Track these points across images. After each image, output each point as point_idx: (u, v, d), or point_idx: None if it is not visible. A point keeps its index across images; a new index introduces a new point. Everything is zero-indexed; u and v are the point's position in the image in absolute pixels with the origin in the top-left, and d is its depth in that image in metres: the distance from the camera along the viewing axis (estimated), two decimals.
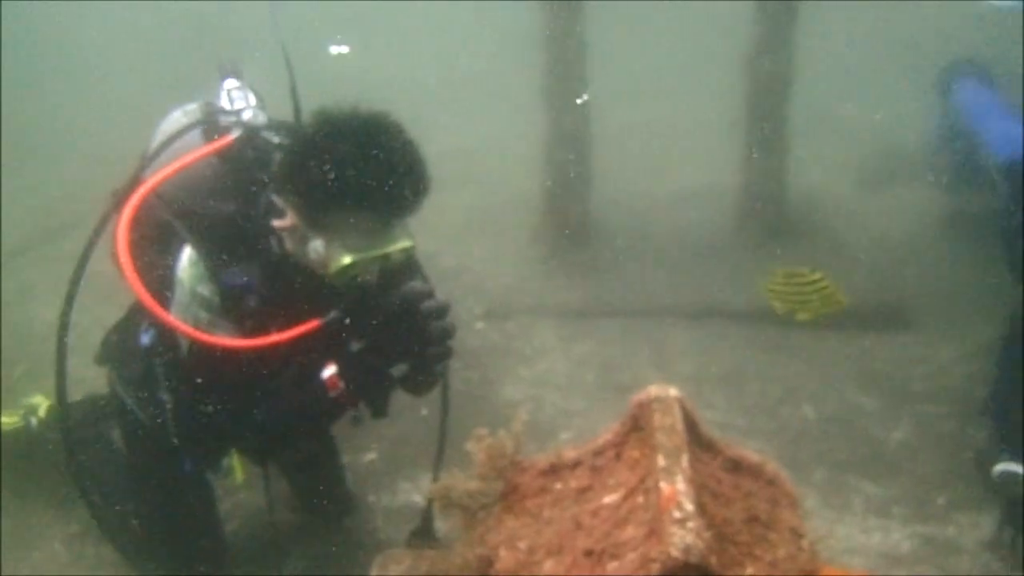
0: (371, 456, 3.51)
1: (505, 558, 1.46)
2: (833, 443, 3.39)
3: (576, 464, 1.53)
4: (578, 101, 4.58)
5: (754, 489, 1.48)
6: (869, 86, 5.48)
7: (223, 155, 2.33)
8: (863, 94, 5.62)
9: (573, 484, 1.51)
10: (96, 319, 2.67)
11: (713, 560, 1.24)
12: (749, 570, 1.34)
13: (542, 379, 3.97)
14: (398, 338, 2.13)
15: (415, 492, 3.30)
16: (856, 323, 4.08)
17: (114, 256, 2.27)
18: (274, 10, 2.54)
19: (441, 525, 2.64)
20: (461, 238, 4.99)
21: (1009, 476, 2.71)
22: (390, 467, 3.45)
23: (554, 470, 1.55)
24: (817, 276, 3.21)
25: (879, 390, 3.69)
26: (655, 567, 1.24)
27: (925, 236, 4.38)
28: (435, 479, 2.52)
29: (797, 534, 1.45)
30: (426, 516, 2.61)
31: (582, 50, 4.71)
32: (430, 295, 2.13)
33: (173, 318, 2.12)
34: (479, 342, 4.17)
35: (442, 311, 2.12)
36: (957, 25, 4.47)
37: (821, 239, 4.72)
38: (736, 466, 1.49)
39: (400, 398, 2.70)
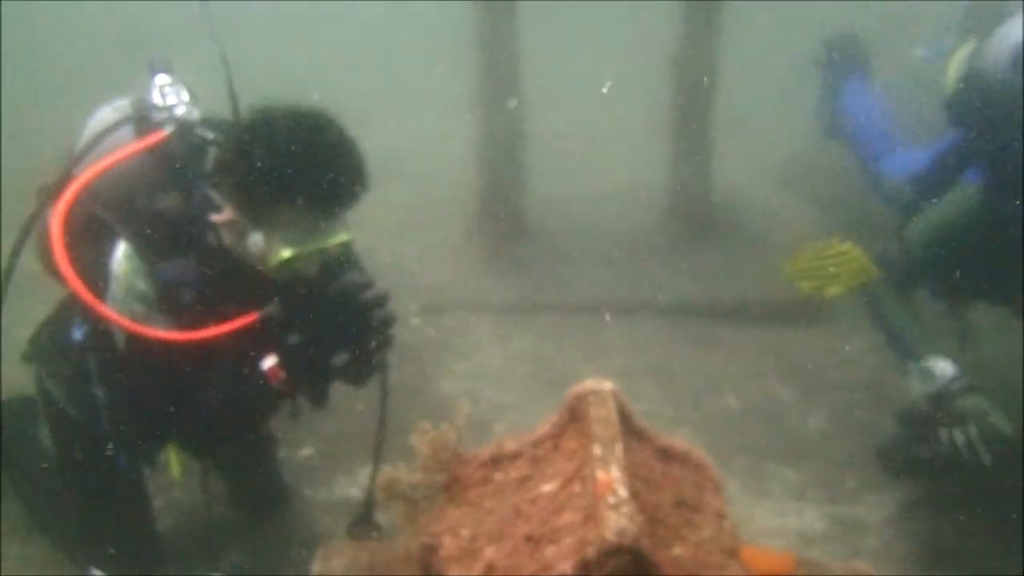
0: (307, 451, 3.51)
1: (448, 545, 1.51)
2: (754, 431, 3.55)
3: (516, 455, 1.60)
4: (510, 105, 4.64)
5: (682, 475, 1.57)
6: (792, 88, 5.66)
7: (156, 150, 2.32)
8: (786, 95, 5.81)
9: (513, 474, 1.57)
10: (18, 317, 2.60)
11: (645, 542, 1.32)
12: (677, 550, 1.42)
13: (477, 373, 4.03)
14: (338, 327, 2.16)
15: (352, 486, 3.33)
16: (776, 317, 4.27)
17: (43, 253, 2.24)
18: (205, 9, 2.52)
19: (381, 515, 2.67)
20: (396, 235, 5.00)
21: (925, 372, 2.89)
22: (326, 462, 3.46)
23: (495, 461, 1.61)
24: (846, 247, 3.01)
25: (796, 380, 3.87)
26: (591, 550, 1.31)
27: (840, 234, 4.59)
28: (375, 470, 2.56)
29: (720, 516, 1.54)
30: (367, 505, 2.64)
31: (515, 51, 4.78)
32: (370, 286, 2.17)
33: (110, 311, 2.11)
34: (415, 337, 4.21)
35: (382, 300, 2.17)
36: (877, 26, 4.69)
37: (743, 236, 4.89)
38: (665, 454, 1.57)
39: (336, 394, 2.73)
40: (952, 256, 2.99)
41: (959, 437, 2.73)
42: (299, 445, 3.47)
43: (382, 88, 6.46)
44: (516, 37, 4.74)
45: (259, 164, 2.01)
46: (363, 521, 2.61)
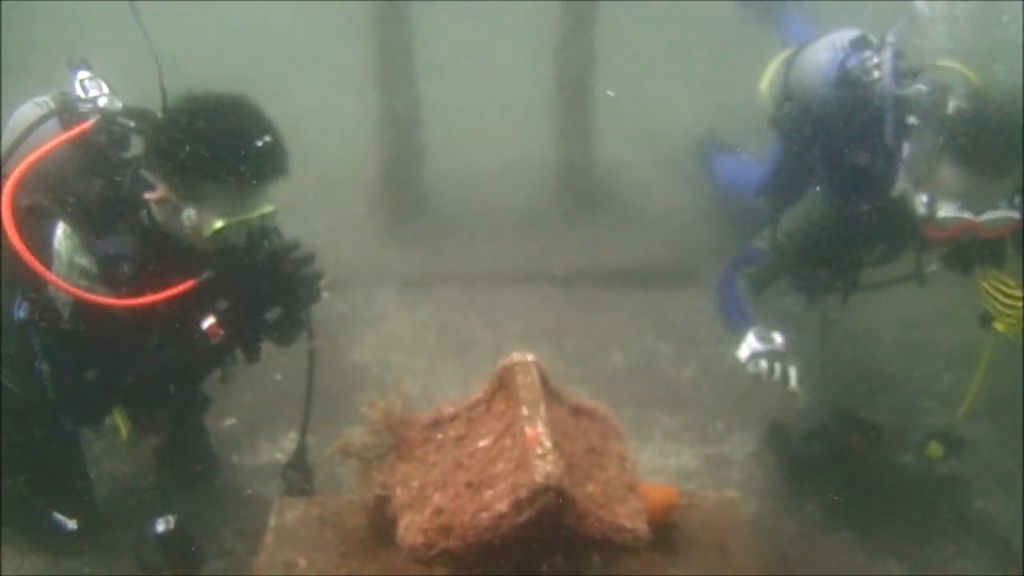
0: (230, 421, 3.62)
1: (400, 495, 1.76)
2: (638, 385, 3.89)
3: (454, 417, 1.85)
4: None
5: (590, 427, 1.87)
6: (669, 74, 6.00)
7: (83, 139, 2.49)
8: (664, 81, 6.15)
9: (452, 433, 1.83)
10: None
11: (566, 482, 1.60)
12: (589, 488, 1.72)
13: (387, 342, 4.20)
14: (271, 285, 2.40)
15: (276, 451, 3.48)
16: (653, 281, 4.63)
17: None
18: (135, 10, 2.61)
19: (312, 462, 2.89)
20: (300, 211, 5.01)
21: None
22: (250, 430, 3.59)
23: (436, 423, 1.86)
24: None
25: (673, 337, 4.20)
26: (524, 491, 1.58)
27: (705, 205, 4.99)
28: (306, 418, 2.82)
29: (622, 459, 1.85)
30: (300, 450, 2.86)
31: (409, 32, 4.88)
32: (297, 246, 2.43)
33: (62, 282, 2.26)
34: (325, 310, 4.30)
35: (309, 259, 2.43)
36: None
37: (623, 207, 5.18)
38: (577, 410, 1.86)
39: (255, 366, 2.90)
40: (810, 252, 3.22)
41: (764, 364, 2.82)
42: (222, 416, 3.57)
43: (280, 66, 6.39)
44: (410, 18, 4.84)
45: (190, 146, 2.23)
46: (297, 465, 2.83)
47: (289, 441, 3.46)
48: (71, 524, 2.76)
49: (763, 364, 2.84)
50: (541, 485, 1.56)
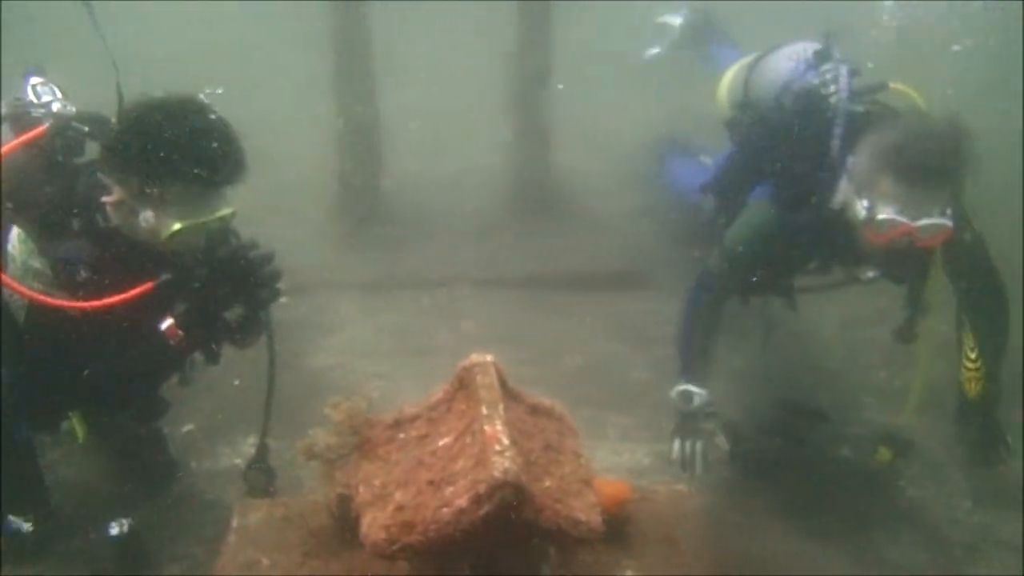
0: (189, 427, 3.61)
1: (363, 493, 1.80)
2: (593, 385, 3.96)
3: (416, 417, 1.90)
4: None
5: (547, 425, 1.93)
6: (623, 81, 6.08)
7: (36, 144, 2.51)
8: (620, 89, 6.24)
9: (414, 433, 1.88)
10: None
11: (523, 478, 1.66)
12: (547, 483, 1.78)
13: (347, 347, 4.23)
14: (231, 284, 2.41)
15: (236, 456, 3.47)
16: (606, 285, 4.73)
17: None
18: (91, 10, 2.62)
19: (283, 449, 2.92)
20: (259, 219, 4.99)
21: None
22: (208, 435, 3.58)
23: (398, 423, 1.91)
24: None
25: (626, 339, 4.30)
26: (483, 486, 1.64)
27: (658, 212, 5.10)
28: (266, 419, 2.85)
29: (577, 455, 1.92)
30: (261, 451, 2.89)
31: (368, 44, 4.92)
32: (256, 246, 2.45)
33: (17, 284, 2.27)
34: (285, 316, 4.31)
35: (268, 257, 2.45)
36: None
37: (578, 213, 5.27)
38: (534, 410, 1.93)
39: (213, 372, 2.89)
40: (756, 260, 3.28)
41: (687, 447, 3.16)
42: (180, 422, 3.55)
43: (239, 73, 6.35)
44: (369, 27, 4.88)
45: (147, 148, 2.25)
46: (258, 463, 2.86)
47: (248, 446, 3.46)
48: (26, 526, 2.73)
49: (677, 448, 3.16)
50: (499, 480, 1.62)
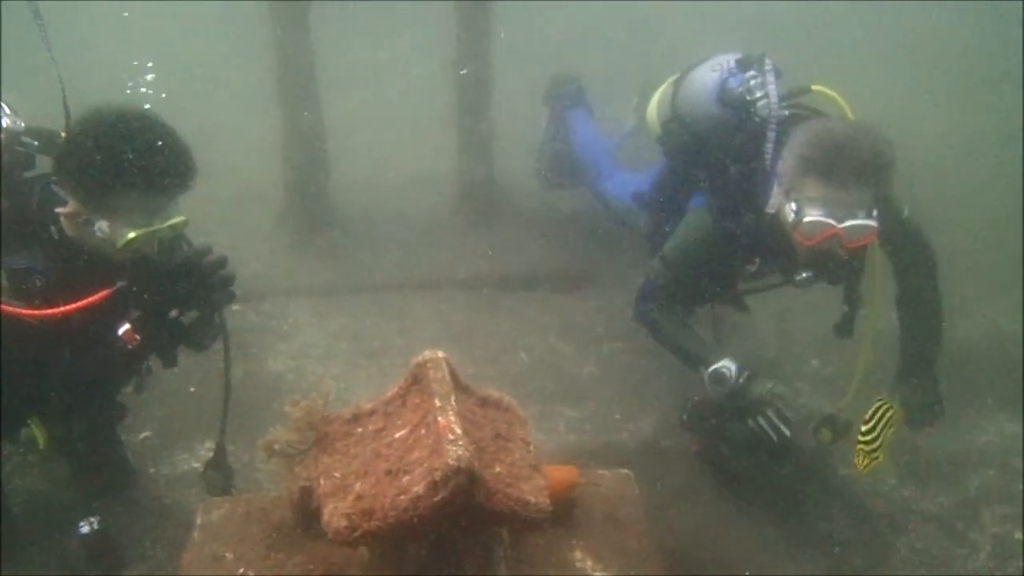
0: (145, 434, 3.62)
1: (324, 485, 1.88)
2: (542, 381, 4.08)
3: (372, 412, 1.99)
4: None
5: (496, 416, 2.04)
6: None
7: None
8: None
9: (371, 427, 1.97)
10: None
11: (475, 465, 1.76)
12: (497, 469, 1.89)
13: (301, 352, 4.26)
14: (186, 288, 2.49)
15: (193, 460, 3.50)
16: (553, 285, 4.85)
17: None
18: (39, 20, 2.65)
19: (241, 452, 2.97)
20: (205, 228, 4.97)
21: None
22: (165, 441, 3.59)
23: (355, 418, 1.99)
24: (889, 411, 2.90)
25: (574, 336, 4.41)
26: (438, 474, 1.74)
27: (598, 215, 5.24)
28: (224, 417, 2.88)
29: (526, 443, 2.03)
30: (219, 450, 2.94)
31: (310, 51, 4.95)
32: (210, 251, 2.54)
33: None
34: (238, 323, 4.32)
35: (222, 262, 2.54)
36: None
37: (523, 216, 5.36)
38: (484, 402, 2.03)
39: (168, 379, 2.88)
40: (696, 267, 3.35)
41: (762, 422, 3.04)
42: (136, 430, 3.56)
43: (182, 84, 6.30)
44: (310, 36, 4.89)
45: (100, 160, 2.32)
46: (216, 465, 2.92)
47: (206, 451, 3.49)
48: None
49: (762, 421, 3.05)
50: (453, 467, 1.71)
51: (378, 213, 5.32)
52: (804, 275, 3.09)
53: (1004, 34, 6.02)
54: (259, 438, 2.72)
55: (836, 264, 3.02)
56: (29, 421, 2.70)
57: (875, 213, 2.87)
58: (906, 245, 3.28)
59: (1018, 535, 3.31)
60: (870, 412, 2.86)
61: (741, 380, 3.12)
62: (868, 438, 2.82)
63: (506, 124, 5.25)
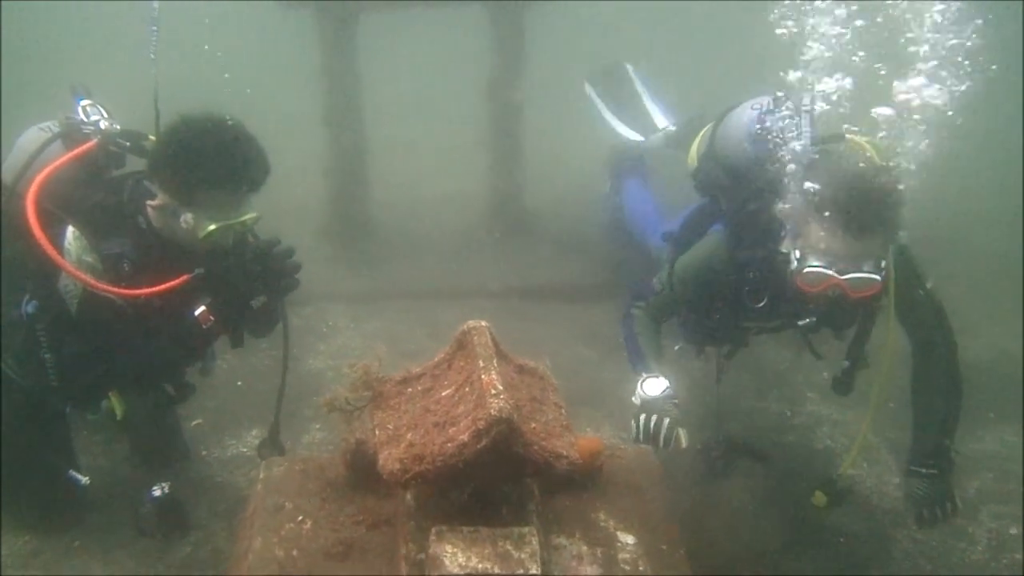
0: (197, 421, 3.84)
1: (379, 435, 2.09)
2: (566, 385, 4.12)
3: (421, 375, 2.21)
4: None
5: (532, 382, 2.24)
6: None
7: (86, 156, 2.83)
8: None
9: (420, 387, 2.18)
10: None
11: (515, 416, 1.96)
12: (533, 425, 2.07)
13: (339, 352, 4.49)
14: (257, 275, 2.74)
15: (241, 446, 3.73)
16: (577, 296, 5.05)
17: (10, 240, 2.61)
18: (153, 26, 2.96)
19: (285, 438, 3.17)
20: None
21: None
22: (216, 429, 3.82)
23: (406, 380, 2.21)
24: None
25: (596, 344, 4.59)
26: (482, 423, 1.93)
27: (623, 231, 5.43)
28: (280, 398, 3.12)
29: (559, 406, 2.22)
30: (273, 429, 3.15)
31: (356, 78, 5.27)
32: (279, 242, 2.81)
33: (77, 271, 2.54)
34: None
35: (290, 252, 2.80)
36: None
37: (550, 232, 5.58)
38: (521, 369, 2.24)
39: (216, 375, 3.05)
40: (700, 293, 3.28)
41: (651, 422, 2.89)
42: (189, 419, 3.80)
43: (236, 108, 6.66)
44: (357, 67, 5.23)
45: (190, 160, 2.59)
46: (270, 443, 3.14)
47: (252, 437, 3.72)
48: (84, 480, 2.98)
49: (642, 421, 2.90)
50: (495, 417, 1.90)
51: (413, 228, 5.58)
52: (807, 320, 3.02)
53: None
54: (299, 428, 2.92)
55: (842, 312, 2.93)
56: (109, 394, 2.93)
57: (883, 264, 2.78)
58: (925, 322, 3.11)
59: (1013, 530, 3.43)
60: None
61: (666, 397, 3.00)
62: None
63: (536, 144, 5.48)
